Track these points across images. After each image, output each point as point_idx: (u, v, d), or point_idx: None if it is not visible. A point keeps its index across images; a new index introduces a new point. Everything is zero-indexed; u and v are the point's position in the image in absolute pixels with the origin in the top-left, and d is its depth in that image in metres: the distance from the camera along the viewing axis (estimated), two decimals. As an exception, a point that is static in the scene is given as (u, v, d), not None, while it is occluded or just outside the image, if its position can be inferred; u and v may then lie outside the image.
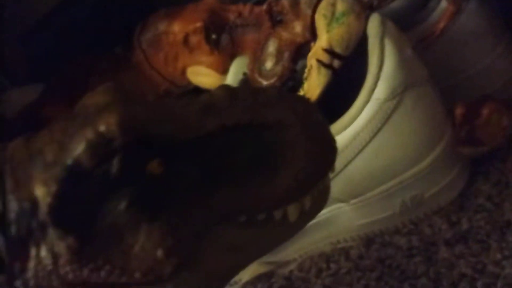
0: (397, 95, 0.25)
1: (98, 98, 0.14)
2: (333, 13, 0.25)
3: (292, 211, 0.15)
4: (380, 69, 0.24)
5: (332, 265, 0.29)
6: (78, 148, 0.13)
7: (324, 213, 0.28)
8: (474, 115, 0.27)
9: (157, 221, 0.13)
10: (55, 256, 0.13)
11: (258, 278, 0.31)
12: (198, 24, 0.31)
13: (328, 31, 0.25)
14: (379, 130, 0.25)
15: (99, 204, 0.13)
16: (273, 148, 0.14)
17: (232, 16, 0.30)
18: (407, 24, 0.28)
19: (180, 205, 0.13)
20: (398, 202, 0.27)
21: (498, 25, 0.30)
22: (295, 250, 0.30)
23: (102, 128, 0.13)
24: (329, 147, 0.16)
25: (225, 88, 0.15)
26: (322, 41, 0.25)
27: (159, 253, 0.13)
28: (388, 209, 0.28)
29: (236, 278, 0.31)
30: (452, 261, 0.26)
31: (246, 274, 0.31)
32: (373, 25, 0.25)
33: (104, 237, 0.13)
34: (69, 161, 0.13)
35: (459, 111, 0.27)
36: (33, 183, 0.13)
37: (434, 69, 0.27)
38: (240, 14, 0.30)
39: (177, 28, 0.32)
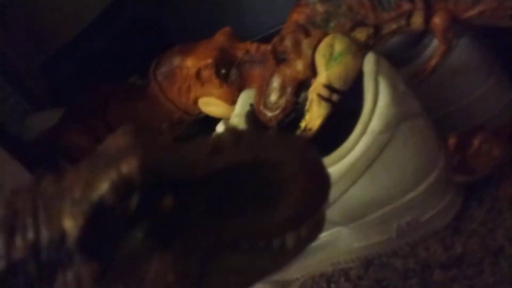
0: (391, 128, 0.26)
1: (119, 141, 0.16)
2: (331, 53, 0.27)
3: (290, 239, 0.17)
4: (374, 104, 0.26)
5: (333, 285, 0.31)
6: (103, 187, 0.14)
7: (325, 235, 0.30)
8: (466, 145, 0.28)
9: (168, 250, 0.15)
10: (79, 281, 0.14)
11: (263, 297, 0.32)
12: (209, 60, 0.33)
13: (327, 69, 0.27)
14: (374, 160, 0.27)
15: (119, 236, 0.15)
16: (274, 183, 0.16)
17: (240, 53, 0.33)
18: (401, 61, 0.30)
19: (189, 235, 0.15)
20: (395, 226, 0.29)
21: (489, 59, 0.32)
22: (297, 270, 0.32)
23: (124, 170, 0.14)
24: (324, 182, 0.17)
25: (231, 131, 0.16)
26: (322, 77, 0.28)
27: (170, 278, 0.15)
28: (385, 233, 0.29)
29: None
30: (446, 283, 0.27)
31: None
32: (369, 63, 0.27)
33: (123, 264, 0.15)
34: (94, 198, 0.14)
35: (451, 141, 0.29)
36: (62, 217, 0.15)
37: (427, 101, 0.28)
38: (247, 52, 0.32)
39: (190, 63, 0.34)
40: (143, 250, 0.15)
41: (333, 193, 0.28)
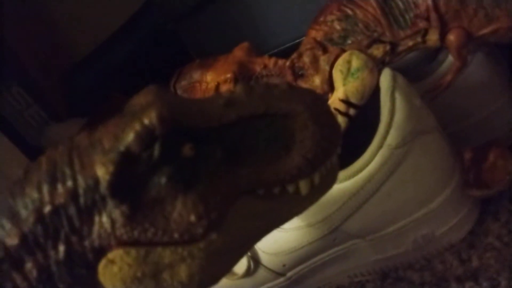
0: (408, 142, 0.27)
1: (141, 99, 0.18)
2: (348, 69, 0.28)
3: (303, 186, 0.18)
4: (391, 119, 0.27)
5: (349, 298, 0.31)
6: (129, 138, 0.16)
7: (343, 248, 0.30)
8: (481, 159, 0.29)
9: (190, 193, 0.16)
10: (113, 221, 0.16)
11: (279, 308, 0.33)
12: (228, 75, 0.34)
13: (344, 84, 0.28)
14: (391, 174, 0.27)
15: (145, 180, 0.16)
16: (285, 132, 0.17)
17: (258, 68, 0.33)
18: (416, 76, 0.31)
19: (208, 180, 0.17)
20: (411, 239, 0.29)
21: (503, 75, 0.32)
22: (314, 282, 0.32)
23: (146, 121, 0.16)
24: (334, 131, 0.18)
25: (243, 85, 0.18)
26: (339, 92, 0.28)
27: (192, 217, 0.16)
28: (401, 246, 0.29)
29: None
30: (462, 296, 0.27)
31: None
32: (385, 79, 0.27)
33: (150, 206, 0.16)
34: (122, 148, 0.16)
35: (467, 155, 0.29)
36: (95, 165, 0.16)
37: (442, 115, 0.29)
38: (265, 66, 0.33)
39: (210, 77, 0.35)
40: (167, 193, 0.16)
41: (351, 206, 0.28)
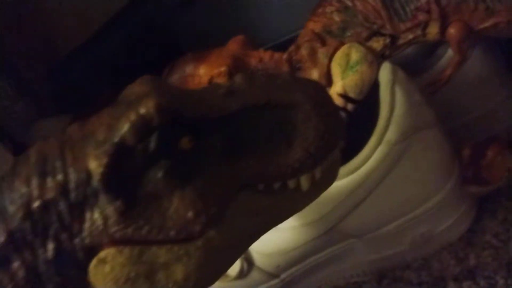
0: (407, 138, 0.26)
1: (137, 88, 0.16)
2: (347, 62, 0.27)
3: (304, 181, 0.17)
4: (391, 114, 0.26)
5: (346, 298, 0.30)
6: (123, 128, 0.15)
7: (338, 247, 0.29)
8: (480, 156, 0.28)
9: (188, 188, 0.15)
10: (105, 218, 0.15)
11: (273, 308, 0.32)
12: (222, 69, 0.33)
13: (342, 78, 0.27)
14: (390, 170, 0.26)
15: (140, 174, 0.15)
16: (287, 124, 0.17)
17: (253, 61, 0.32)
18: (416, 71, 0.30)
19: (207, 174, 0.16)
20: (409, 238, 0.29)
21: (503, 70, 0.32)
22: (309, 284, 0.31)
23: (142, 111, 0.15)
24: (337, 124, 0.17)
25: (245, 74, 0.17)
26: (337, 87, 0.28)
27: (190, 214, 0.15)
28: (399, 245, 0.29)
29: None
30: (460, 296, 0.27)
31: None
32: (385, 73, 0.27)
33: (145, 202, 0.15)
34: (116, 139, 0.15)
35: (466, 152, 0.28)
36: (87, 158, 0.15)
37: (441, 111, 0.28)
38: (261, 60, 0.32)
39: (203, 71, 0.34)
40: (164, 188, 0.15)
41: (348, 204, 0.27)
